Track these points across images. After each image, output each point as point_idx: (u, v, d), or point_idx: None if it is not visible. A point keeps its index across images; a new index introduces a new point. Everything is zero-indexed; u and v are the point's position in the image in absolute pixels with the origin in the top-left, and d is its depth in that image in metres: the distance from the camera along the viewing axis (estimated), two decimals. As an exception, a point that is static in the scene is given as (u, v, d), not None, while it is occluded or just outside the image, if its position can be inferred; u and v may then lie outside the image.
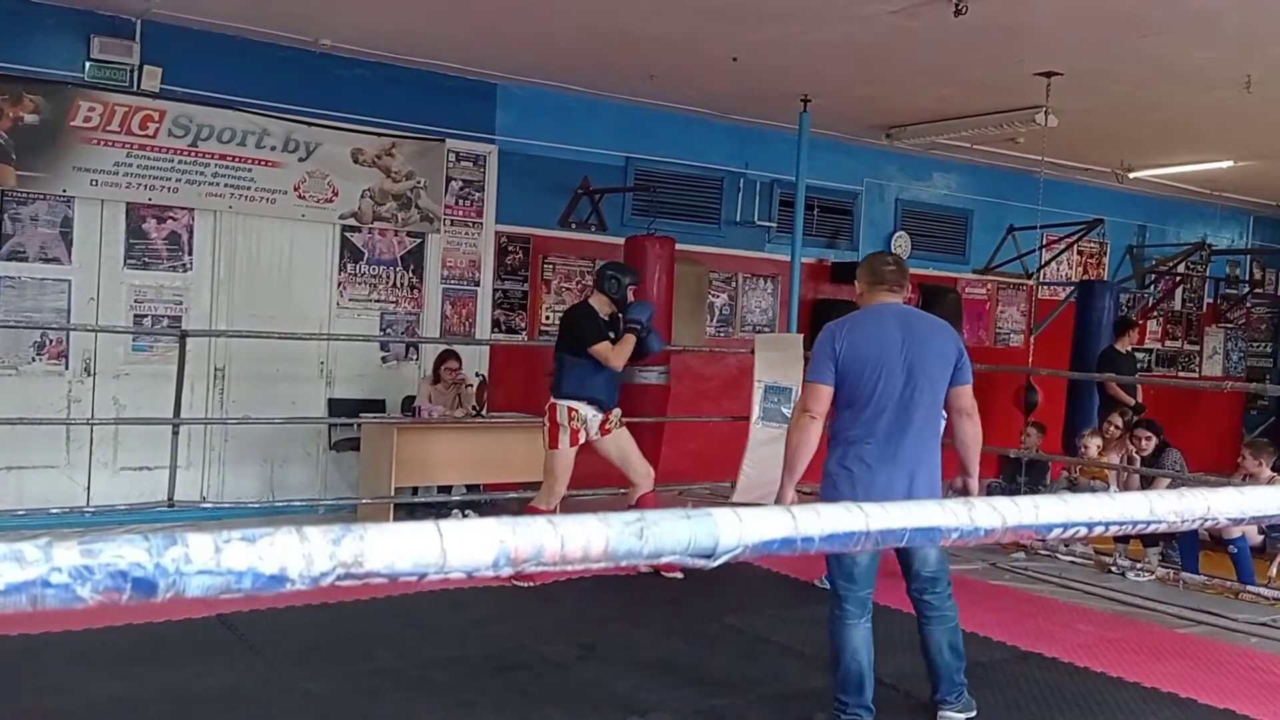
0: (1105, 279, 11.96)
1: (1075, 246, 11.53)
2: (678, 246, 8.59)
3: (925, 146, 10.00)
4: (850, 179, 10.47)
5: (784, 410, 7.86)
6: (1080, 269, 12.10)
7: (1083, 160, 10.48)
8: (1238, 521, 1.21)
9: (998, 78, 7.66)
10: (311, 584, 0.72)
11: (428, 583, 0.82)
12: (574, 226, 9.09)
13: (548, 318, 9.07)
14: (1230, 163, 10.23)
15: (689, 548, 0.91)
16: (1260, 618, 5.85)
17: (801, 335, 8.59)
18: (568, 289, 9.17)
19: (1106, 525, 1.10)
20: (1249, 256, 13.72)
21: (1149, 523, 1.11)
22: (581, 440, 6.03)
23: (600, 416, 6.05)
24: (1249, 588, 6.34)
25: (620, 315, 6.17)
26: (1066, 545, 7.28)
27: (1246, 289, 13.77)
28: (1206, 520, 1.17)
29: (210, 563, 0.69)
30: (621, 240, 8.72)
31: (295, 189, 7.86)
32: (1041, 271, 11.36)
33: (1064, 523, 1.06)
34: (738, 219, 9.85)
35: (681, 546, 0.91)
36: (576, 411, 5.98)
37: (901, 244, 10.78)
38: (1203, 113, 8.38)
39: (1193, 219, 12.94)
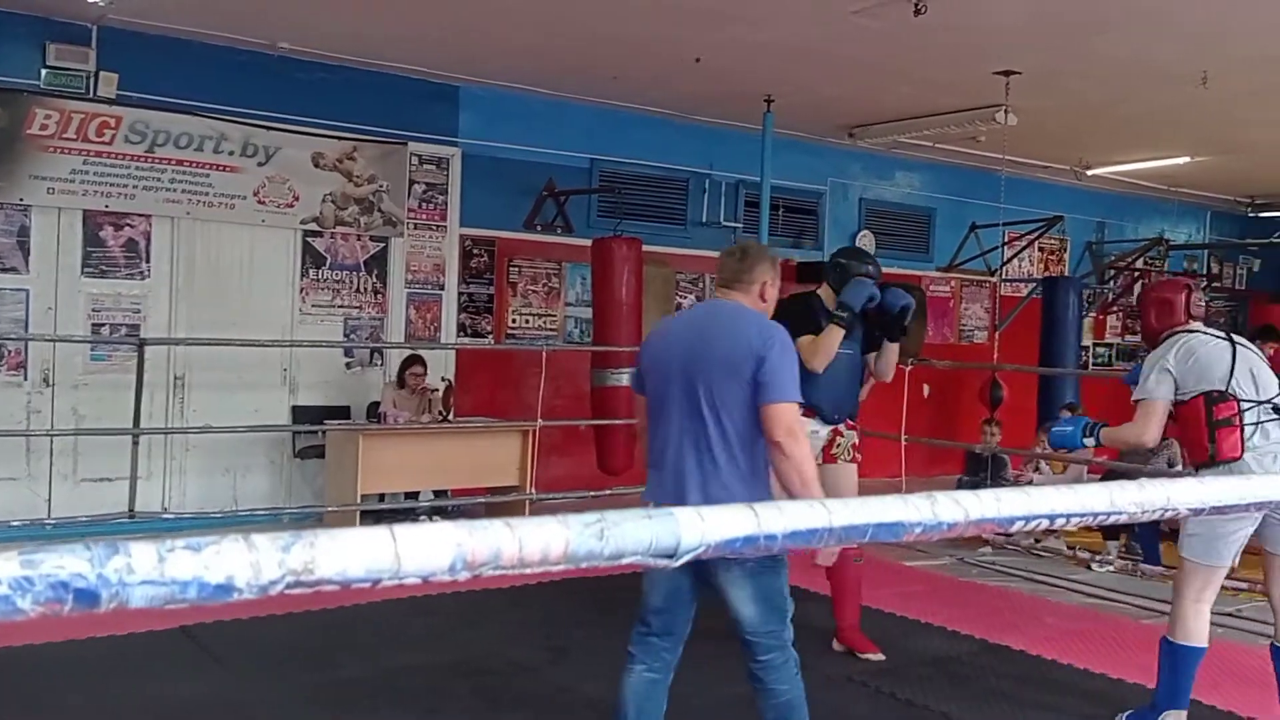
0: (1066, 275, 12.08)
1: (1036, 243, 11.65)
2: (644, 248, 8.58)
3: (888, 146, 10.06)
4: (814, 179, 10.50)
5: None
6: (1041, 265, 12.22)
7: (1042, 158, 10.57)
8: (1198, 512, 1.21)
9: (958, 77, 7.72)
10: (260, 593, 0.70)
11: (395, 589, 0.81)
12: (539, 229, 9.06)
13: (514, 321, 9.04)
14: (1187, 158, 10.36)
15: (651, 548, 0.90)
16: (1224, 608, 5.91)
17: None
18: (534, 291, 9.14)
19: (1068, 517, 1.10)
20: (1206, 251, 13.90)
21: (1109, 514, 1.11)
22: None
23: (825, 433, 4.82)
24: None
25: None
26: (1037, 540, 7.34)
27: (1205, 283, 13.94)
28: (1167, 511, 1.17)
29: (154, 573, 0.67)
30: (588, 242, 8.70)
31: (255, 194, 7.77)
32: (1004, 268, 11.46)
33: (1025, 515, 1.06)
34: (703, 220, 9.85)
35: (643, 547, 0.90)
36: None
37: (866, 242, 10.83)
38: (1160, 109, 8.48)
39: (1150, 215, 13.10)
